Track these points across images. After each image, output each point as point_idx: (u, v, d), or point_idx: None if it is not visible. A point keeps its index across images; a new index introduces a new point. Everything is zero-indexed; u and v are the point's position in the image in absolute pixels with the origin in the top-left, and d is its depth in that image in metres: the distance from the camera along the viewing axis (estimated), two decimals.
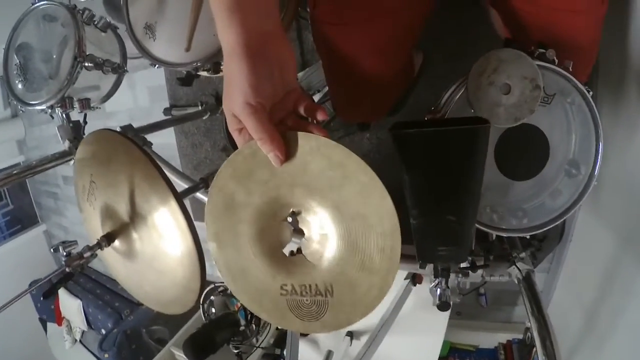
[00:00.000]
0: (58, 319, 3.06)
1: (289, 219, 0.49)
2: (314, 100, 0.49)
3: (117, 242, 0.59)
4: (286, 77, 0.45)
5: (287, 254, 0.50)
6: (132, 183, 0.52)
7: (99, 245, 0.59)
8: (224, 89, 0.44)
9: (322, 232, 0.47)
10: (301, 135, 0.43)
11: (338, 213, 0.45)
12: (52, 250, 0.64)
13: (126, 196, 0.54)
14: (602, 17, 0.61)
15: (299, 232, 0.49)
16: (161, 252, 0.53)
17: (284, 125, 0.46)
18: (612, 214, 1.01)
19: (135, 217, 0.54)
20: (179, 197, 0.48)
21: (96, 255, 0.60)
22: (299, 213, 0.48)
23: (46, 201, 3.38)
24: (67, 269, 0.61)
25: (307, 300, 0.49)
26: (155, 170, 0.48)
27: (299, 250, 0.50)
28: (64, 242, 0.61)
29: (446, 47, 1.18)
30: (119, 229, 0.58)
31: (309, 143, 0.43)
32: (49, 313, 3.16)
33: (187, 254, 0.50)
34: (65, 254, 0.61)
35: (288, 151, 0.43)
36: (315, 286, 0.48)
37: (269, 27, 0.43)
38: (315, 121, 0.48)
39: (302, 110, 0.47)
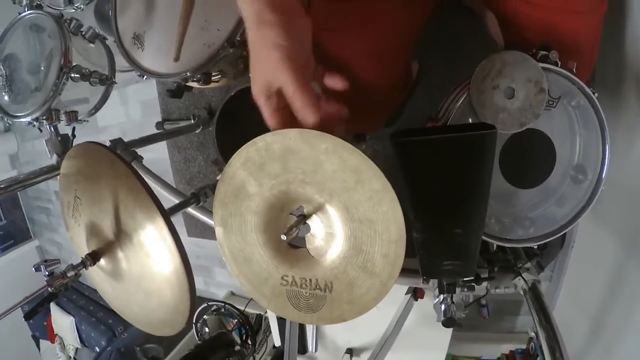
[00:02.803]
0: (51, 336, 2.98)
1: (297, 214, 0.49)
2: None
3: (102, 261, 0.56)
4: (307, 47, 0.46)
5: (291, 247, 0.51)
6: (117, 198, 0.49)
7: (83, 264, 0.55)
8: (251, 61, 0.43)
9: (328, 231, 0.47)
10: (317, 134, 0.43)
11: (347, 215, 0.45)
12: (33, 268, 0.60)
13: (111, 213, 0.50)
14: (602, 17, 0.60)
15: (305, 227, 0.49)
16: (148, 271, 0.50)
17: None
18: (614, 219, 0.99)
19: (121, 234, 0.51)
20: (165, 212, 0.45)
21: (80, 274, 0.57)
22: (307, 209, 0.48)
23: (39, 217, 3.31)
24: (50, 289, 0.57)
25: (306, 292, 0.50)
26: (140, 184, 0.45)
27: (303, 245, 0.50)
28: (45, 261, 0.58)
29: (441, 56, 1.16)
30: (104, 247, 0.55)
31: (325, 143, 0.42)
32: (42, 330, 3.08)
33: (175, 274, 0.46)
34: (47, 273, 0.57)
35: (303, 148, 0.43)
36: (316, 281, 0.49)
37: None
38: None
39: (323, 80, 0.47)
